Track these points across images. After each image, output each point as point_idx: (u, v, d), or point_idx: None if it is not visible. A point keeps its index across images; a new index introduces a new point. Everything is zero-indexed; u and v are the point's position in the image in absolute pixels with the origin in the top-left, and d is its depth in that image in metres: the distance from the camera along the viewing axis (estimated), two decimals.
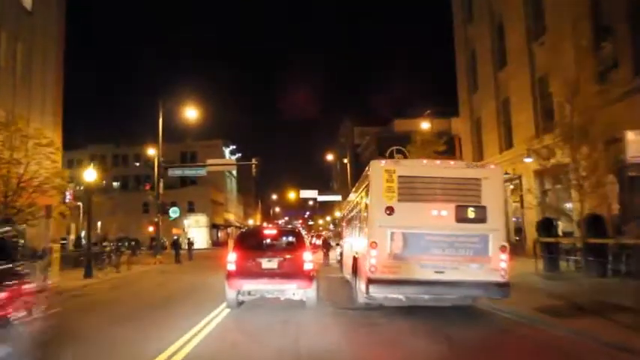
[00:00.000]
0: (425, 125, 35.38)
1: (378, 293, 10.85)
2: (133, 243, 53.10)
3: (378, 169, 11.05)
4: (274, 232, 14.91)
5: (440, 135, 35.13)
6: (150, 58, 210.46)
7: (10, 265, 7.41)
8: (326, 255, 30.38)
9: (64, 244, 36.78)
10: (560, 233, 20.69)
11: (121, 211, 65.17)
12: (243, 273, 12.08)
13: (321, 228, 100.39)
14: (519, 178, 26.51)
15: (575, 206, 16.21)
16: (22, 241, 23.39)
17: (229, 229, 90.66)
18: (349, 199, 19.50)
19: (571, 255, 18.88)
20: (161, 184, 37.95)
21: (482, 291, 10.79)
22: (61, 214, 35.96)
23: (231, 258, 12.27)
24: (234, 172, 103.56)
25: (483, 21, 31.72)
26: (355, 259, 13.47)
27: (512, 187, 27.46)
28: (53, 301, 15.50)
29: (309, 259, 12.35)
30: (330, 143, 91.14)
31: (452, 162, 11.57)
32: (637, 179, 16.96)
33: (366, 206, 11.64)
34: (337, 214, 74.59)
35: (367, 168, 11.67)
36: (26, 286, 7.46)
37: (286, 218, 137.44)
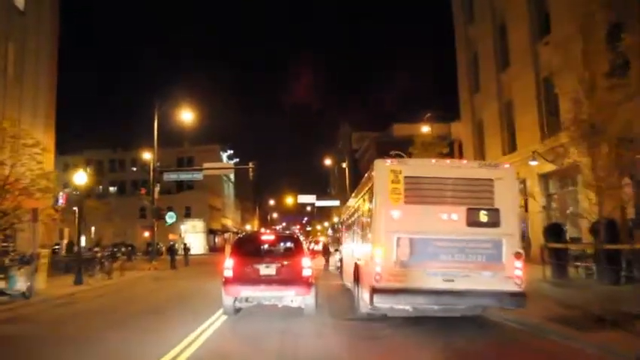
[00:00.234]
0: (425, 129, 34.82)
1: (382, 303, 10.06)
2: (129, 248, 52.27)
3: (382, 168, 10.25)
4: (272, 237, 14.46)
5: (440, 139, 34.42)
6: (148, 61, 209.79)
7: None
8: (326, 261, 29.72)
9: (56, 249, 36.08)
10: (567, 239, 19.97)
11: (117, 216, 64.11)
12: (240, 279, 11.79)
13: (319, 234, 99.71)
14: (524, 182, 25.75)
15: (590, 209, 15.41)
16: (12, 246, 22.90)
17: (226, 235, 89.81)
18: (349, 203, 18.72)
19: (580, 261, 18.19)
20: (156, 189, 37.18)
21: (496, 301, 9.99)
22: (53, 219, 35.40)
23: (228, 264, 12.00)
24: (232, 178, 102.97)
25: (485, 21, 31.11)
26: (357, 267, 12.69)
27: None
28: (34, 310, 14.94)
29: (307, 265, 12.03)
30: (329, 148, 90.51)
31: (463, 161, 10.77)
32: None
33: (370, 209, 10.88)
34: (335, 219, 73.98)
35: (371, 168, 10.89)
36: None
37: (284, 224, 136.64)
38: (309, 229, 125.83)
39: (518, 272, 9.87)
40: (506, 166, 10.48)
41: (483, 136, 31.99)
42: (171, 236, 65.46)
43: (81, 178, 22.89)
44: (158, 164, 39.55)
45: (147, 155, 47.21)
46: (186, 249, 42.68)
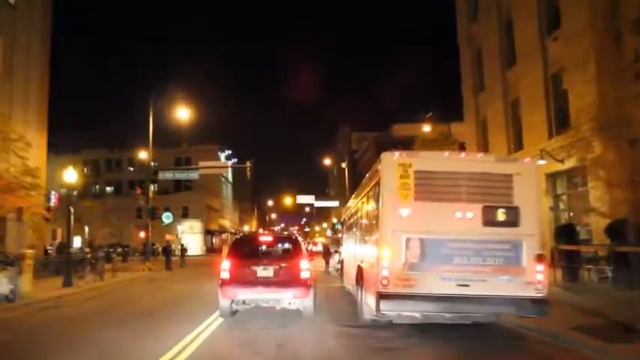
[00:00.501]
0: (426, 128, 34.05)
1: (390, 310, 9.16)
2: (125, 249, 51.40)
3: (390, 162, 9.32)
4: (270, 238, 14.17)
5: (437, 141, 33.54)
6: (146, 59, 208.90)
7: None
8: (326, 263, 28.99)
9: (49, 250, 35.18)
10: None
11: (114, 216, 63.16)
12: (237, 281, 11.55)
13: (317, 235, 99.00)
14: None
15: (608, 210, 14.57)
16: None
17: (224, 236, 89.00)
18: (351, 201, 17.82)
19: (592, 264, 17.34)
20: (152, 188, 36.31)
21: (515, 308, 9.08)
22: (46, 218, 34.50)
23: (225, 266, 11.75)
24: (230, 178, 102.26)
25: (490, 18, 30.23)
26: (360, 269, 11.79)
27: None
28: (17, 314, 14.04)
29: (306, 267, 11.74)
30: (328, 149, 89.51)
31: (478, 155, 9.83)
32: None
33: (376, 207, 9.96)
34: (334, 220, 73.24)
35: (377, 161, 9.96)
36: None
37: (282, 225, 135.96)
38: (307, 230, 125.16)
39: (540, 277, 8.99)
40: (527, 160, 9.53)
41: (487, 135, 31.10)
42: (168, 237, 64.58)
43: (71, 176, 21.85)
44: (156, 164, 38.89)
45: (143, 154, 46.48)
46: (183, 250, 41.68)
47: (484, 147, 31.32)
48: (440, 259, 8.96)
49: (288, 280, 11.52)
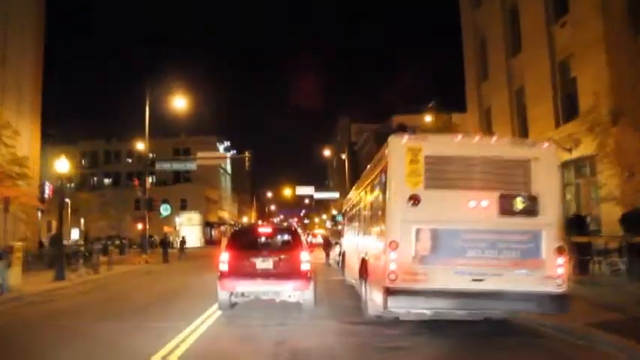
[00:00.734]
0: (428, 119, 33.40)
1: (398, 307, 8.49)
2: (124, 241, 50.77)
3: (398, 147, 8.60)
4: (269, 230, 13.84)
5: (440, 130, 32.84)
6: (145, 53, 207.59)
7: None
8: (327, 255, 28.39)
9: (44, 242, 34.53)
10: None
11: (112, 208, 62.63)
12: (236, 273, 11.37)
13: (317, 226, 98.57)
14: None
15: (621, 198, 13.94)
16: None
17: (223, 227, 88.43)
18: (353, 192, 17.12)
19: (602, 256, 16.73)
20: (150, 179, 35.67)
21: (534, 305, 8.41)
22: (40, 210, 33.83)
23: (224, 257, 11.57)
24: (229, 170, 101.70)
25: (494, 5, 29.49)
26: (364, 262, 11.10)
27: None
28: (2, 309, 13.37)
29: (306, 259, 11.53)
30: (327, 140, 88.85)
31: (493, 138, 9.06)
32: None
33: (382, 196, 9.23)
34: (334, 212, 72.61)
35: (384, 145, 9.23)
36: None
37: (282, 217, 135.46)
38: (307, 222, 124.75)
39: (561, 270, 8.31)
40: (546, 144, 8.80)
41: (491, 125, 30.38)
42: (166, 229, 64.11)
43: (63, 165, 21.12)
44: (154, 155, 38.29)
45: (141, 145, 45.85)
46: (182, 242, 41.37)
47: None
48: (452, 251, 8.29)
49: (288, 272, 11.31)
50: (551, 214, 8.41)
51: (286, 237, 12.98)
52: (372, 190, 10.99)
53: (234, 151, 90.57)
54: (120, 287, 18.73)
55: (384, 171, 9.04)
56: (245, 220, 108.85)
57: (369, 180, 11.34)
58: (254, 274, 11.33)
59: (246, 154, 38.34)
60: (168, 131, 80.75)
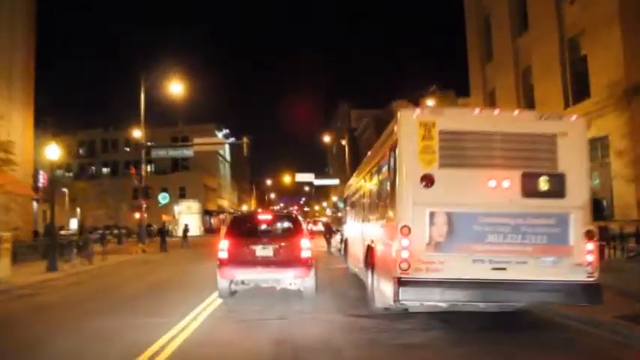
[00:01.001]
0: (430, 103, 32.61)
1: (411, 300, 7.63)
2: (121, 230, 50.03)
3: (409, 121, 7.72)
4: (269, 217, 13.74)
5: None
6: (143, 38, 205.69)
7: None
8: (328, 242, 27.64)
9: (37, 232, 33.77)
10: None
11: (110, 197, 61.88)
12: (236, 261, 11.22)
13: (317, 214, 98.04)
14: None
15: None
16: None
17: (222, 216, 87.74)
18: (355, 177, 16.28)
19: (616, 241, 16.00)
20: (148, 167, 34.85)
21: (562, 296, 7.59)
22: (35, 199, 33.05)
23: (223, 245, 11.41)
24: (228, 157, 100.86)
25: None
26: (370, 250, 10.27)
27: None
28: None
29: (307, 247, 11.36)
30: (327, 128, 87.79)
31: (515, 111, 8.17)
32: None
33: (392, 176, 8.37)
34: (334, 198, 71.89)
35: (393, 121, 8.35)
36: None
37: (282, 204, 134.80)
38: (307, 209, 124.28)
39: (591, 257, 7.50)
40: (574, 117, 7.93)
41: (496, 106, 29.52)
42: (164, 217, 63.49)
43: (53, 152, 20.30)
44: (151, 143, 37.41)
45: (139, 134, 45.09)
46: (186, 230, 40.89)
47: None
48: (471, 237, 7.47)
49: (289, 260, 11.14)
50: (579, 194, 7.60)
51: (286, 224, 12.73)
52: (378, 172, 10.08)
53: (233, 139, 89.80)
54: (112, 279, 17.94)
55: (393, 149, 8.17)
56: (245, 208, 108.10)
57: (376, 160, 10.42)
58: (254, 262, 11.15)
59: (244, 139, 37.36)
60: (167, 121, 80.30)
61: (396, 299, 7.47)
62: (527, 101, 25.95)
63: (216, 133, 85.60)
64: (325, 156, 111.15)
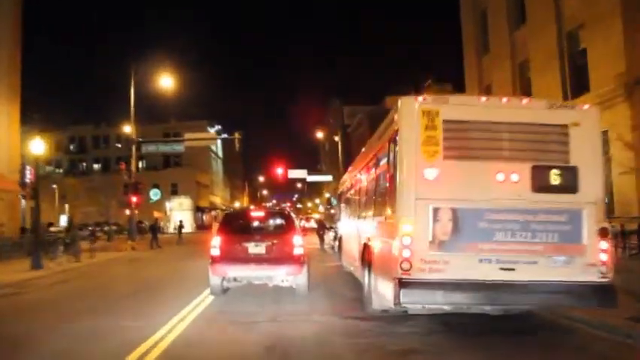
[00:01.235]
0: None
1: (413, 302, 7.06)
2: (112, 227, 49.35)
3: (411, 109, 7.16)
4: (262, 214, 13.72)
5: None
6: (135, 35, 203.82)
7: None
8: (321, 239, 27.20)
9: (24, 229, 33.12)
10: None
11: (101, 194, 61.12)
12: (228, 258, 11.18)
13: (309, 211, 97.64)
14: None
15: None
16: None
17: (214, 212, 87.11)
18: (350, 171, 15.73)
19: (618, 239, 15.55)
20: (137, 163, 34.25)
21: (575, 298, 7.06)
22: (22, 195, 32.36)
23: (216, 242, 11.37)
24: (220, 154, 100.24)
25: None
26: (367, 248, 9.70)
27: None
28: None
29: (299, 244, 11.37)
30: (320, 124, 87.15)
31: (524, 100, 7.61)
32: None
33: (392, 169, 7.80)
34: (327, 195, 71.34)
35: (393, 109, 7.78)
36: None
37: (274, 201, 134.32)
38: (299, 206, 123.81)
39: (604, 257, 6.99)
40: (587, 106, 7.40)
41: None
42: (156, 214, 62.78)
43: (38, 147, 19.68)
44: (140, 139, 36.84)
45: (127, 128, 44.47)
46: (180, 227, 40.73)
47: None
48: (477, 235, 6.93)
49: (281, 257, 11.11)
50: (592, 189, 7.08)
51: (279, 221, 12.61)
52: (377, 165, 9.49)
53: (225, 135, 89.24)
54: (98, 277, 17.34)
55: (394, 140, 7.61)
56: (237, 204, 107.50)
57: (373, 153, 9.82)
58: (246, 259, 11.12)
59: (236, 134, 36.79)
60: (159, 117, 79.60)
61: (397, 302, 6.89)
62: (525, 95, 25.43)
63: (209, 129, 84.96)
64: (318, 153, 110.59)
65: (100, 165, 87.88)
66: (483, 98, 7.54)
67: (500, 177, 7.02)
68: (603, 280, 6.96)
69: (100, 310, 10.37)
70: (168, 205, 71.98)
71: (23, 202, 34.53)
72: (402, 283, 6.86)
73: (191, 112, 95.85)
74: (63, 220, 61.56)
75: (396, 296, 6.88)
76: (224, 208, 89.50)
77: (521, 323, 8.28)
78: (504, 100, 7.46)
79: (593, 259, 6.96)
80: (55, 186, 64.56)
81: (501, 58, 27.51)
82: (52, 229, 49.55)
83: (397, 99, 7.53)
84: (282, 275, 11.21)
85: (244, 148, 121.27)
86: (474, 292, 6.89)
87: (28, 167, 30.94)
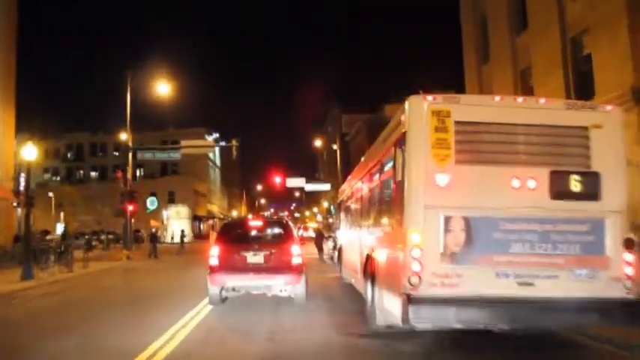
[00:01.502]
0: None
1: (423, 321, 6.47)
2: (109, 236, 48.82)
3: (420, 110, 6.63)
4: (260, 223, 13.77)
5: None
6: (132, 42, 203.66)
7: None
8: (320, 250, 26.71)
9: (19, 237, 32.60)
10: None
11: (99, 202, 60.69)
12: (226, 268, 11.20)
13: (307, 220, 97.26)
14: None
15: None
16: None
17: (212, 221, 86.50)
18: (351, 179, 15.18)
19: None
20: (135, 171, 33.75)
21: (599, 316, 6.47)
22: (17, 203, 31.82)
23: (214, 252, 11.42)
24: (218, 162, 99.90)
25: None
26: (370, 260, 9.11)
27: None
28: None
29: (297, 253, 11.43)
30: (318, 133, 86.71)
31: (541, 100, 7.07)
32: None
33: (399, 175, 7.19)
34: (325, 204, 70.80)
35: (400, 109, 7.21)
36: None
37: (272, 210, 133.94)
38: (297, 215, 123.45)
39: (630, 270, 6.45)
40: (609, 107, 6.89)
41: None
42: (153, 223, 62.20)
43: (29, 153, 19.16)
44: (136, 147, 36.39)
45: (124, 136, 44.10)
46: (183, 236, 40.29)
47: None
48: (492, 246, 6.40)
49: (279, 266, 11.15)
50: (616, 197, 6.56)
51: (277, 230, 12.60)
52: (381, 171, 8.88)
53: (223, 143, 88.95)
54: (88, 289, 16.66)
55: (400, 143, 7.05)
56: (235, 214, 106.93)
57: (377, 158, 9.19)
58: (245, 269, 11.16)
59: (234, 142, 36.31)
60: (157, 125, 79.36)
61: (405, 320, 6.31)
62: None
63: (207, 137, 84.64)
64: (316, 161, 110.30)
65: (97, 173, 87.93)
66: (497, 98, 7.00)
67: (516, 183, 6.50)
68: (629, 295, 6.42)
69: (79, 328, 9.71)
70: (165, 213, 71.36)
71: (19, 210, 34.02)
72: (411, 300, 6.28)
73: (189, 119, 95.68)
74: (59, 229, 61.08)
75: (405, 314, 6.30)
76: (222, 216, 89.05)
77: (537, 341, 7.70)
78: (520, 99, 6.94)
79: (618, 273, 6.43)
80: (51, 194, 64.20)
81: (502, 64, 27.06)
82: (48, 237, 49.06)
83: (398, 104, 7.04)
84: (280, 285, 11.19)
85: (242, 157, 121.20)
86: (491, 310, 6.33)
87: (22, 175, 30.51)
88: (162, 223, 69.27)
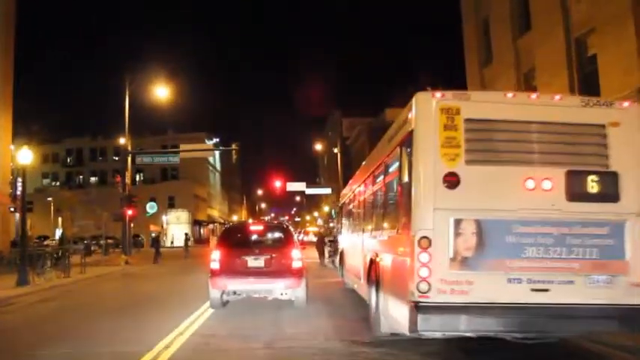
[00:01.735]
0: None
1: (432, 329, 6.14)
2: (109, 241, 48.54)
3: (428, 107, 6.30)
4: (261, 227, 13.93)
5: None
6: (131, 46, 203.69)
7: None
8: (321, 254, 26.51)
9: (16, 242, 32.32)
10: None
11: (99, 207, 60.29)
12: (227, 272, 11.31)
13: (308, 224, 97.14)
14: None
15: None
16: None
17: (212, 226, 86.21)
18: (353, 182, 14.85)
19: None
20: (129, 173, 33.49)
21: (618, 324, 6.16)
22: (14, 208, 31.56)
23: (215, 256, 11.56)
24: (218, 167, 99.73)
25: None
26: (374, 265, 8.77)
27: None
28: None
29: (298, 257, 11.53)
30: (319, 137, 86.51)
31: (556, 96, 6.73)
32: None
33: (405, 176, 6.84)
34: (326, 208, 70.53)
35: (407, 106, 6.87)
36: None
37: (272, 214, 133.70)
38: (298, 219, 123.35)
39: None
40: (627, 103, 6.55)
41: None
42: (152, 227, 61.96)
43: (25, 157, 18.83)
44: (135, 151, 36.13)
45: (122, 140, 43.90)
46: (187, 240, 40.07)
47: None
48: (505, 250, 6.06)
49: (280, 270, 11.27)
50: (635, 198, 6.22)
51: (277, 234, 12.71)
52: (386, 172, 8.53)
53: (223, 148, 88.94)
54: (84, 296, 16.38)
55: (407, 143, 6.70)
56: (235, 218, 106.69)
57: (381, 160, 8.81)
58: (246, 273, 11.26)
59: (233, 145, 36.03)
60: (157, 129, 79.31)
61: (414, 329, 5.98)
62: None
63: (207, 141, 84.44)
64: (317, 165, 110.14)
65: (96, 178, 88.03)
66: (510, 94, 6.67)
67: (530, 184, 6.17)
68: None
69: (71, 335, 9.39)
70: (164, 218, 71.08)
71: (17, 215, 33.78)
72: (419, 308, 5.95)
73: (189, 124, 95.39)
74: (58, 234, 60.83)
75: (412, 322, 5.97)
76: (222, 221, 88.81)
77: (550, 349, 7.35)
78: (534, 96, 6.62)
79: (638, 279, 6.09)
80: (50, 199, 63.94)
81: (505, 67, 26.77)
82: (47, 242, 48.71)
83: (400, 107, 6.72)
84: (281, 288, 11.29)
85: (242, 161, 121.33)
86: (503, 318, 5.99)
87: (20, 179, 30.24)
88: (162, 227, 69.01)
